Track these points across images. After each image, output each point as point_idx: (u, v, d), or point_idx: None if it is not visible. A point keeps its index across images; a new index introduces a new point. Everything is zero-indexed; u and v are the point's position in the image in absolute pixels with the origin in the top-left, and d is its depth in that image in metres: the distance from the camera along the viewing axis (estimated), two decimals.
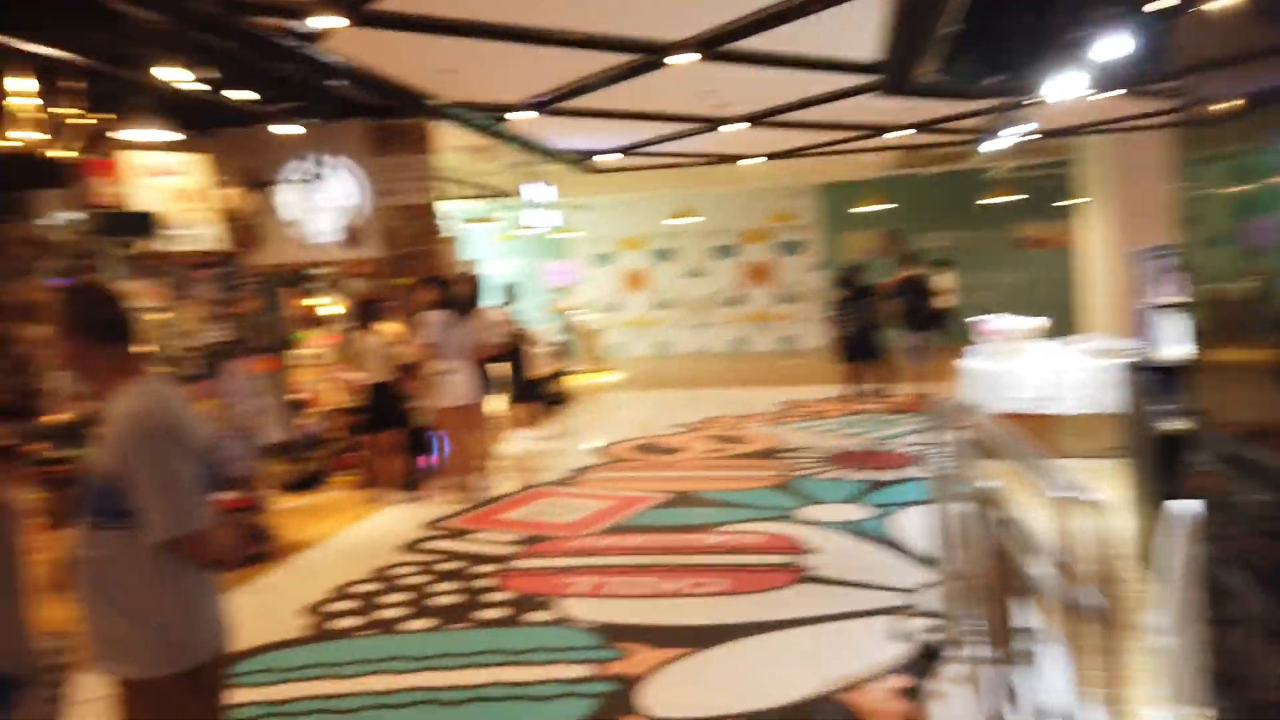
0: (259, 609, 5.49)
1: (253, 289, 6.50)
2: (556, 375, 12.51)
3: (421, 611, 5.36)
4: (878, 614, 4.83)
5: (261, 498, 6.51)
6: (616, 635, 4.78)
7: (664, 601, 5.29)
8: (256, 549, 6.34)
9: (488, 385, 8.42)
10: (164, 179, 6.33)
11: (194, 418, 2.62)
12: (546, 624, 5.04)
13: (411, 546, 6.65)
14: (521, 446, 9.50)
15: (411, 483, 8.07)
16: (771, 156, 13.00)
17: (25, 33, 5.81)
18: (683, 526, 6.70)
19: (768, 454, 8.94)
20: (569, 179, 13.32)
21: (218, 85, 7.23)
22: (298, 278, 9.64)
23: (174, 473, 2.41)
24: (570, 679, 4.32)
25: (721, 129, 10.36)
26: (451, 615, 5.28)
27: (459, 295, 8.35)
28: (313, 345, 9.05)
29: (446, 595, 5.61)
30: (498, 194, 13.03)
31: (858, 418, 10.64)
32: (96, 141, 6.39)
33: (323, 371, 8.74)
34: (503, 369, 9.22)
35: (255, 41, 6.40)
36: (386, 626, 5.18)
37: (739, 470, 8.42)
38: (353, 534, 7.13)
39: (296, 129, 8.52)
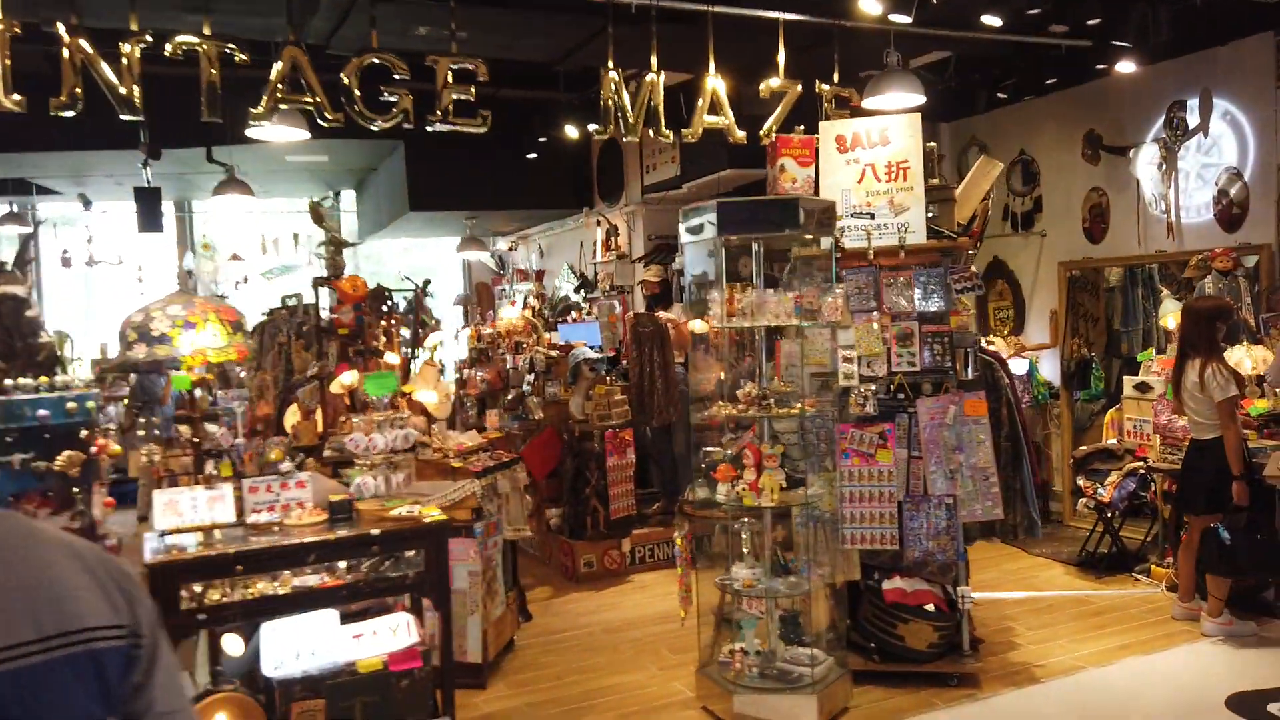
0: None
1: (972, 296, 4.52)
2: None
3: None
4: None
5: (962, 589, 4.52)
6: None
7: None
8: (952, 667, 4.42)
9: None
10: (867, 152, 4.81)
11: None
12: None
13: None
14: None
15: (1253, 602, 4.97)
16: None
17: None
18: None
19: None
20: None
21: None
22: (1146, 274, 7.08)
23: None
24: None
25: None
26: None
27: None
28: (1150, 372, 6.42)
29: None
30: None
31: None
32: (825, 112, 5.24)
33: (1148, 410, 6.09)
34: None
35: None
36: None
37: None
38: (1128, 671, 4.52)
39: (1129, 66, 6.07)
